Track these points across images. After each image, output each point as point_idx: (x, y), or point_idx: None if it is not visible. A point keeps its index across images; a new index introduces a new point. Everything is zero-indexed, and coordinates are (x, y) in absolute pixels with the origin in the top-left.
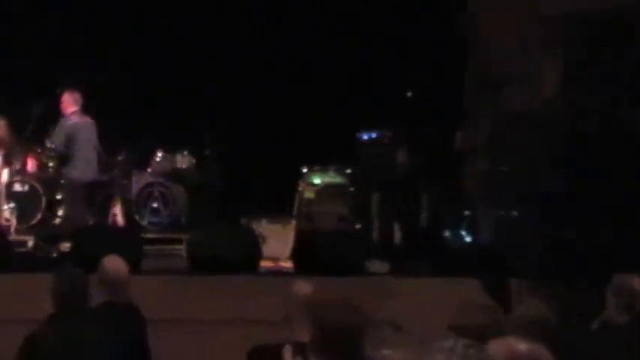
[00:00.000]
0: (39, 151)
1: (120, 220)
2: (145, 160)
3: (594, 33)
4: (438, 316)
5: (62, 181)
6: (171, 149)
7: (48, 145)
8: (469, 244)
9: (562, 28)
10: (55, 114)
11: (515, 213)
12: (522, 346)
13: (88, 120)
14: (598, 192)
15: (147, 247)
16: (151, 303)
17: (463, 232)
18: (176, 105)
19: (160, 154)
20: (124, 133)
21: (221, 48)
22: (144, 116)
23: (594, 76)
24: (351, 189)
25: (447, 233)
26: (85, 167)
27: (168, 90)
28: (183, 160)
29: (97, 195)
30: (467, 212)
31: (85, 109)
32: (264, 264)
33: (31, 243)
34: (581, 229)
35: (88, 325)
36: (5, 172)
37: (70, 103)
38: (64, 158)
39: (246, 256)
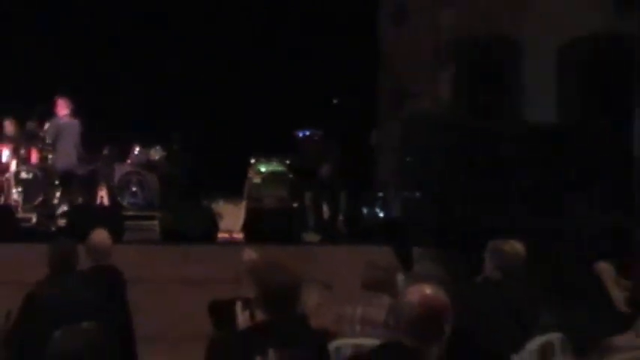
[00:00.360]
0: (40, 145)
1: (105, 200)
2: (125, 154)
3: (479, 53)
4: (357, 275)
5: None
6: (146, 145)
7: (47, 141)
8: (382, 219)
9: (455, 49)
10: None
11: (417, 194)
12: (429, 290)
13: (74, 121)
14: (480, 177)
15: (127, 222)
16: (130, 266)
17: (377, 210)
18: (151, 109)
19: (137, 149)
20: (108, 131)
21: (186, 60)
22: (125, 118)
23: (478, 86)
24: (290, 176)
25: (364, 210)
26: (64, 159)
27: (144, 96)
28: (156, 154)
29: (73, 182)
30: (380, 194)
31: (76, 111)
32: (221, 235)
33: (34, 219)
34: (466, 207)
35: (78, 284)
36: (13, 163)
37: (62, 107)
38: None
39: (206, 229)
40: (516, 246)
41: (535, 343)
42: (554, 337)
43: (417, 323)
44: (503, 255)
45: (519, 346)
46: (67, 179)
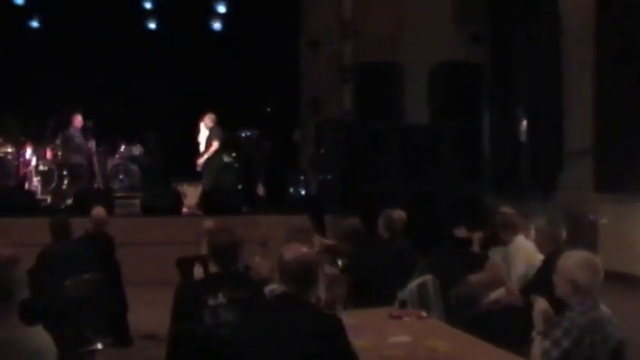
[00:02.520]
0: (53, 145)
1: (101, 185)
2: (114, 150)
3: (371, 72)
4: (282, 237)
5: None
6: (129, 143)
7: (57, 142)
8: (303, 195)
9: (354, 69)
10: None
11: (328, 176)
12: (303, 248)
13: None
14: (372, 162)
15: (117, 201)
16: (120, 233)
17: (300, 189)
18: (131, 115)
19: (123, 147)
20: (100, 132)
21: (158, 78)
22: (113, 122)
23: (370, 96)
24: (236, 165)
25: (290, 189)
26: (75, 156)
27: (130, 105)
28: (137, 150)
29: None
30: (302, 177)
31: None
32: (185, 210)
33: (49, 200)
34: (363, 184)
35: (79, 245)
36: (34, 159)
37: (78, 121)
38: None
39: (174, 205)
40: (400, 212)
41: (414, 283)
42: (428, 278)
43: (293, 274)
44: (391, 219)
45: (403, 285)
46: (74, 170)
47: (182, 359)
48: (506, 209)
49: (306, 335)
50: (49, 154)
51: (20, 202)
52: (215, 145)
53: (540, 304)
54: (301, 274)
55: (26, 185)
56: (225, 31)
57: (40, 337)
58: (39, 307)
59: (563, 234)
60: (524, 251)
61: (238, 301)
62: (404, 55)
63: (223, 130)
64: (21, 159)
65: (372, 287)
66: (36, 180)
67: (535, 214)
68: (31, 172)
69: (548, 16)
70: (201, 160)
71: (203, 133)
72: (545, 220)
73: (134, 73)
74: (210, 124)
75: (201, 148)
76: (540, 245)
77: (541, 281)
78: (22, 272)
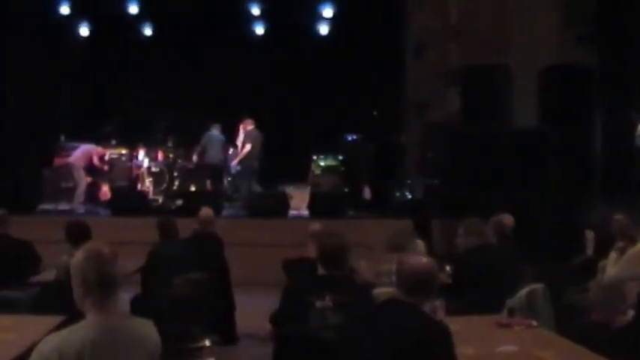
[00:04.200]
0: (164, 148)
1: (209, 187)
2: None
3: (478, 75)
4: (386, 241)
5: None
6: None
7: (169, 144)
8: (408, 199)
9: (459, 72)
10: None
11: (434, 181)
12: (423, 259)
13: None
14: (478, 167)
15: (225, 203)
16: (226, 234)
17: (406, 193)
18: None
19: (230, 150)
20: None
21: (266, 83)
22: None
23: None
24: (342, 168)
25: (396, 193)
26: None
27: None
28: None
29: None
30: (408, 181)
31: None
32: (292, 212)
33: (160, 200)
34: (469, 189)
35: (187, 245)
36: (146, 161)
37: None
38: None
39: (280, 207)
40: (509, 217)
41: (524, 291)
42: (538, 285)
43: (411, 284)
44: (500, 224)
45: (511, 292)
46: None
47: None
48: (620, 216)
49: (413, 341)
50: (160, 156)
51: (133, 202)
52: (248, 147)
53: None
54: (419, 284)
55: (139, 186)
56: (331, 35)
57: (146, 325)
58: (148, 304)
59: None
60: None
61: (344, 305)
62: (511, 57)
63: (329, 133)
64: (134, 160)
65: (479, 293)
66: (148, 181)
67: None
68: (143, 173)
69: None
70: (234, 162)
71: (241, 137)
72: None
73: (241, 77)
74: (248, 128)
75: (238, 150)
76: None
77: None
78: (120, 267)
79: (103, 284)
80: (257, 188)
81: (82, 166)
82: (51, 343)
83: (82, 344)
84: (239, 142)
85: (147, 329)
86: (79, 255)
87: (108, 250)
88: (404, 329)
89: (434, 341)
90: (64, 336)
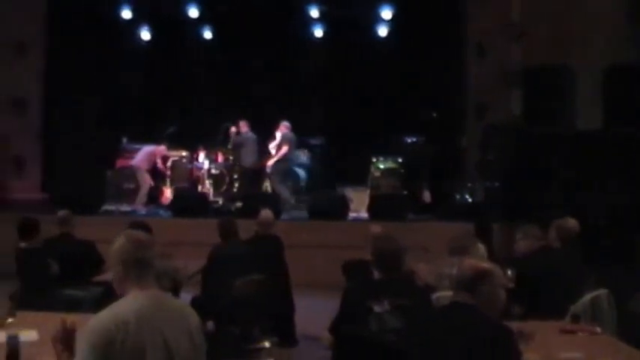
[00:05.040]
0: (224, 150)
1: (269, 189)
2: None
3: (540, 76)
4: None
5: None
6: (297, 148)
7: (229, 146)
8: (469, 202)
9: (521, 73)
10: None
11: (495, 184)
12: (484, 262)
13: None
14: (540, 170)
15: (284, 205)
16: (286, 236)
17: (466, 196)
18: (300, 121)
19: None
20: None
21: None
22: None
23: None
24: (401, 170)
25: (456, 196)
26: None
27: (297, 111)
28: (304, 155)
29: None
30: (469, 183)
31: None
32: (352, 214)
33: (220, 202)
34: (531, 192)
35: (247, 246)
36: (206, 163)
37: (243, 126)
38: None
39: (340, 209)
40: (573, 222)
41: (588, 297)
42: (602, 291)
43: (471, 287)
44: (563, 229)
45: (574, 298)
46: (249, 175)
47: None
48: None
49: (477, 344)
50: (220, 158)
51: (193, 204)
52: (284, 149)
53: None
54: (480, 287)
55: (199, 188)
56: (391, 36)
57: (185, 305)
58: (209, 305)
59: None
60: None
61: (403, 308)
62: (574, 57)
63: (389, 135)
64: (194, 162)
65: (542, 298)
66: (208, 183)
67: None
68: (203, 175)
69: None
70: (269, 163)
71: (277, 139)
72: None
73: (300, 79)
74: (283, 131)
75: (272, 152)
76: None
77: None
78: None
79: (142, 264)
80: (288, 190)
81: (146, 168)
82: (103, 316)
83: (128, 314)
84: (274, 145)
85: (187, 307)
86: (120, 239)
87: (146, 236)
88: (469, 332)
89: (500, 344)
90: (112, 309)
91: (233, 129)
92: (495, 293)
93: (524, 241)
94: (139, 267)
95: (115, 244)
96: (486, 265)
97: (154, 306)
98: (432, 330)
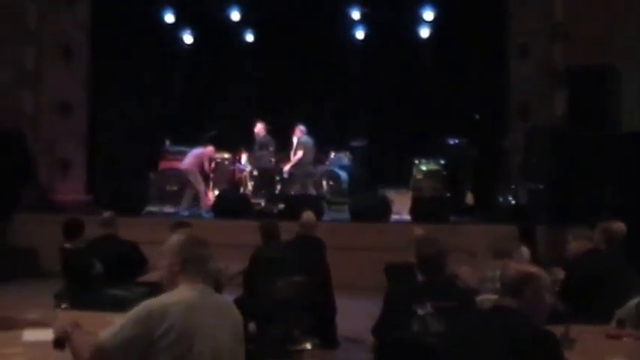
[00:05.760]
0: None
1: (311, 191)
2: (324, 158)
3: (584, 77)
4: (488, 246)
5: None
6: (339, 151)
7: (270, 149)
8: (512, 205)
9: (565, 74)
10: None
11: (539, 186)
12: (531, 268)
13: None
14: (585, 172)
15: (326, 207)
16: (328, 238)
17: (509, 198)
18: (341, 123)
19: (332, 154)
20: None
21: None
22: (324, 131)
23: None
24: (443, 172)
25: (500, 198)
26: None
27: (339, 113)
28: (346, 157)
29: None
30: (512, 186)
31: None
32: (394, 216)
33: (262, 204)
34: (576, 195)
35: (289, 248)
36: (248, 165)
37: (260, 129)
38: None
39: (382, 211)
40: (620, 225)
41: (634, 302)
42: None
43: (516, 291)
44: (609, 232)
45: (620, 302)
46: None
47: None
48: None
49: (520, 348)
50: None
51: (236, 206)
52: (300, 154)
53: None
54: (525, 292)
55: (241, 189)
56: (433, 37)
57: (231, 303)
58: (251, 306)
59: None
60: None
61: (446, 311)
62: (618, 57)
63: (431, 137)
64: (236, 164)
65: (590, 300)
66: (250, 185)
67: None
68: (245, 177)
69: None
70: (286, 168)
71: (294, 144)
72: None
73: (342, 81)
74: (298, 134)
75: (291, 157)
76: None
77: None
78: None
79: (202, 261)
80: (312, 191)
81: (197, 170)
82: (154, 300)
83: (180, 301)
84: (292, 150)
85: (232, 305)
86: (179, 237)
87: (201, 237)
88: (511, 336)
89: (543, 348)
90: (162, 298)
91: (255, 130)
92: (541, 297)
93: (576, 242)
94: (198, 263)
95: (173, 241)
96: (532, 268)
97: (203, 298)
98: (474, 333)
